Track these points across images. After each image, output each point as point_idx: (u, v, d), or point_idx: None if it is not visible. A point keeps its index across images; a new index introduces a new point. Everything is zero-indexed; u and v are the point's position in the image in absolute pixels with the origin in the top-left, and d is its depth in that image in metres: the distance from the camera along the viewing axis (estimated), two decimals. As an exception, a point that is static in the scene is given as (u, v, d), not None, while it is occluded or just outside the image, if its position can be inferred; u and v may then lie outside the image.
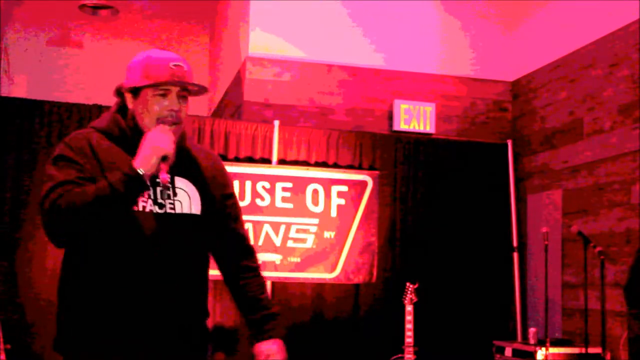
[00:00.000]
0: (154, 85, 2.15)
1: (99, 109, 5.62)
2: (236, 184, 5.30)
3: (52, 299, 5.32)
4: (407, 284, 5.38)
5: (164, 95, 2.16)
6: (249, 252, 2.44)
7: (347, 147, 6.08)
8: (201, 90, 2.24)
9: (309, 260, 5.71)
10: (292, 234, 5.69)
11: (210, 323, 2.33)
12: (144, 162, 2.04)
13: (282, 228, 5.66)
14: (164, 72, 2.15)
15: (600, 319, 4.76)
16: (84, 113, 5.60)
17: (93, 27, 8.15)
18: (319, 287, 5.90)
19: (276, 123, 5.91)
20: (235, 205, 2.41)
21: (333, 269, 5.77)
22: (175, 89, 2.17)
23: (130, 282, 2.09)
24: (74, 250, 2.14)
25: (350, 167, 6.04)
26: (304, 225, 5.73)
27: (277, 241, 5.65)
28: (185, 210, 2.20)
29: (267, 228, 5.63)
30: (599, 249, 4.85)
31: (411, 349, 5.28)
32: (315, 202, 5.76)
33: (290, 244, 5.67)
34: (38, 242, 5.37)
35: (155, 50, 2.24)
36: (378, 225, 5.94)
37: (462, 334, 5.99)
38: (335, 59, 6.40)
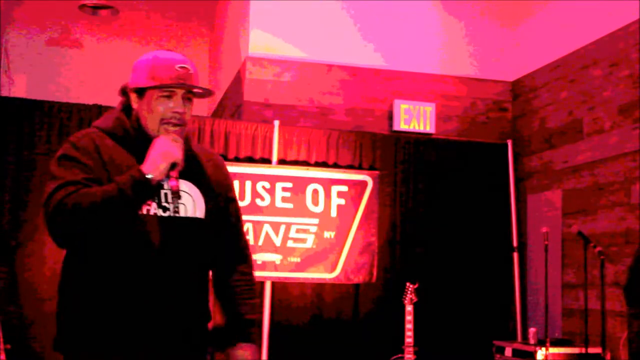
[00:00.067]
0: (160, 87, 2.14)
1: (99, 109, 5.62)
2: (236, 184, 5.30)
3: (52, 299, 5.32)
4: (407, 284, 5.38)
5: (169, 97, 2.15)
6: (245, 259, 2.41)
7: (347, 147, 6.08)
8: (206, 93, 2.24)
9: (309, 260, 5.71)
10: (292, 234, 5.69)
11: (209, 324, 2.31)
12: (153, 168, 2.04)
13: (282, 228, 5.66)
14: (170, 73, 2.14)
15: (600, 319, 4.76)
16: (84, 113, 5.60)
17: (93, 27, 8.15)
18: (319, 287, 5.90)
19: (276, 123, 5.91)
20: (237, 209, 2.41)
21: (333, 269, 5.77)
22: (180, 91, 2.16)
23: (132, 284, 2.08)
24: (76, 251, 2.14)
25: (350, 167, 6.04)
26: (304, 225, 5.72)
27: (277, 241, 5.65)
28: (190, 214, 2.19)
29: (267, 228, 5.63)
30: (599, 249, 4.85)
31: (411, 349, 5.28)
32: (315, 202, 5.76)
33: (290, 244, 5.67)
34: (38, 243, 5.37)
35: (161, 51, 2.23)
36: (378, 225, 5.94)
37: (462, 334, 5.99)
38: (335, 59, 6.40)
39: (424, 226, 6.15)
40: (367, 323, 5.91)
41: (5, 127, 5.45)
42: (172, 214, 2.14)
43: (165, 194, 2.14)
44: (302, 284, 5.84)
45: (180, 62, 2.17)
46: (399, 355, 5.36)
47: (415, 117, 6.42)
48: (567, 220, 5.86)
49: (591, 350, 4.92)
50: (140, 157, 2.09)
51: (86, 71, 7.99)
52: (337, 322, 5.90)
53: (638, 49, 5.24)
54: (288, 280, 5.75)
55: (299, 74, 6.31)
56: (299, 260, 5.68)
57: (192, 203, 2.20)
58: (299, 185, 5.74)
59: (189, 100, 2.20)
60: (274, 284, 5.71)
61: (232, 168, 5.25)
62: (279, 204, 5.68)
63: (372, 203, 5.91)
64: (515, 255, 6.26)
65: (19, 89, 7.64)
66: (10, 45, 7.71)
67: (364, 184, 5.91)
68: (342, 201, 5.82)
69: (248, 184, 5.59)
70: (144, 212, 2.11)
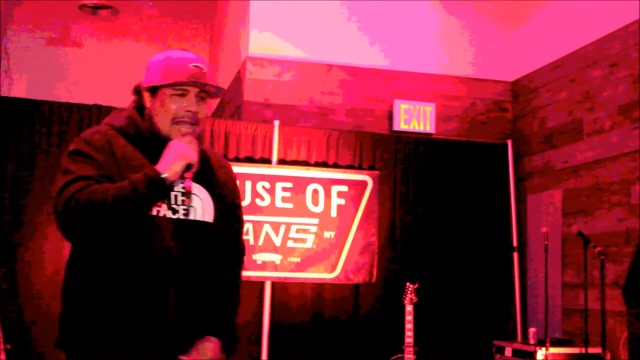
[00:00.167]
0: (173, 85, 2.14)
1: (99, 109, 5.62)
2: (236, 184, 5.29)
3: (52, 299, 5.35)
4: (407, 284, 5.38)
5: (182, 95, 2.16)
6: (240, 263, 2.43)
7: (347, 147, 6.08)
8: (219, 92, 2.24)
9: (309, 260, 5.71)
10: (292, 234, 5.69)
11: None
12: (168, 168, 2.04)
13: (282, 228, 5.66)
14: (184, 72, 2.14)
15: (600, 319, 4.76)
16: (84, 113, 5.60)
17: (93, 27, 8.15)
18: (319, 287, 5.90)
19: (276, 123, 5.91)
20: (241, 216, 2.42)
21: (333, 269, 5.77)
22: (194, 90, 2.16)
23: (138, 285, 2.08)
24: (83, 249, 2.13)
25: (350, 167, 6.04)
26: (304, 225, 5.72)
27: (277, 241, 5.64)
28: (199, 217, 2.19)
29: (267, 228, 5.62)
30: (599, 249, 4.85)
31: (411, 349, 5.28)
32: (315, 202, 5.76)
33: (290, 244, 5.67)
34: (38, 243, 5.37)
35: (175, 51, 2.24)
36: (378, 225, 5.93)
37: (462, 334, 5.99)
38: (335, 59, 6.40)
39: (424, 226, 6.15)
40: (367, 323, 5.91)
41: (5, 127, 5.45)
42: (181, 217, 2.14)
43: (175, 196, 2.14)
44: (302, 284, 5.84)
45: (193, 61, 2.18)
46: (399, 355, 5.36)
47: (415, 117, 6.42)
48: (567, 220, 5.86)
49: (591, 350, 4.92)
50: (153, 156, 2.09)
51: (86, 71, 8.00)
52: (337, 322, 5.90)
53: (638, 49, 5.24)
54: (288, 280, 5.75)
55: (299, 74, 6.31)
56: (299, 260, 5.68)
57: (201, 206, 2.21)
58: (299, 185, 5.74)
59: (202, 99, 2.20)
60: (274, 284, 5.71)
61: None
62: (279, 204, 5.68)
63: (372, 203, 5.91)
64: (515, 255, 6.26)
65: (19, 89, 7.64)
66: (10, 45, 7.72)
67: (364, 184, 5.91)
68: (342, 201, 5.82)
69: (248, 184, 5.60)
70: (154, 213, 2.11)
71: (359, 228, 5.84)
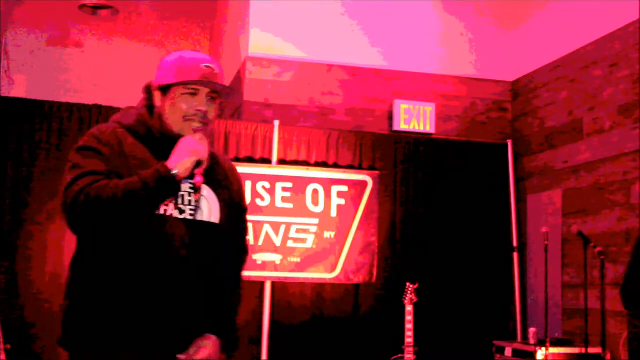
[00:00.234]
0: (184, 84, 2.14)
1: (99, 109, 5.62)
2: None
3: (52, 299, 5.35)
4: (407, 284, 5.38)
5: (193, 95, 2.16)
6: (242, 264, 2.44)
7: (347, 147, 6.08)
8: (229, 93, 2.24)
9: (309, 260, 5.71)
10: (292, 234, 5.69)
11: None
12: (178, 164, 2.04)
13: (282, 228, 5.66)
14: (195, 71, 2.15)
15: (600, 319, 4.76)
16: (84, 113, 5.61)
17: (93, 27, 8.15)
18: (319, 287, 5.90)
19: (276, 123, 5.91)
20: (246, 219, 2.44)
21: (333, 269, 5.77)
22: (205, 90, 2.17)
23: (144, 283, 2.08)
24: (90, 246, 2.13)
25: (350, 167, 6.04)
26: (304, 225, 5.72)
27: (277, 241, 5.64)
28: (205, 218, 2.19)
29: (267, 228, 5.62)
30: (599, 249, 4.85)
31: (411, 349, 5.28)
32: (315, 202, 5.76)
33: (290, 244, 5.67)
34: (38, 242, 5.37)
35: (187, 51, 2.25)
36: (378, 225, 5.93)
37: (462, 334, 5.99)
38: (335, 59, 6.40)
39: (424, 226, 6.15)
40: (367, 323, 5.91)
41: (5, 127, 5.46)
42: (188, 217, 2.14)
43: (183, 196, 2.15)
44: (302, 284, 5.84)
45: (205, 61, 2.18)
46: (399, 355, 5.36)
47: (415, 117, 6.42)
48: (567, 220, 5.86)
49: (591, 350, 4.92)
50: (162, 155, 2.09)
51: (86, 71, 7.99)
52: (337, 322, 5.90)
53: (638, 49, 5.24)
54: (288, 280, 5.75)
55: (299, 74, 6.31)
56: (299, 260, 5.68)
57: (208, 207, 2.21)
58: (299, 185, 5.74)
59: (213, 99, 2.20)
60: (274, 284, 5.71)
61: (232, 168, 5.25)
62: (279, 204, 5.68)
63: (372, 203, 5.91)
64: (515, 255, 6.26)
65: (19, 89, 7.64)
66: (10, 45, 7.71)
67: (364, 184, 5.91)
68: (342, 201, 5.82)
69: (248, 184, 5.59)
70: (161, 212, 2.11)
71: (359, 228, 5.84)
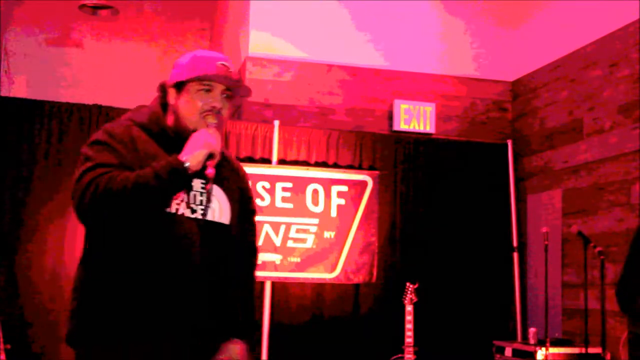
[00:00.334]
0: (199, 79, 2.15)
1: (99, 109, 5.62)
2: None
3: (52, 299, 5.34)
4: (407, 284, 5.38)
5: (208, 91, 2.16)
6: (253, 264, 2.49)
7: (347, 147, 6.08)
8: (244, 91, 2.24)
9: (309, 260, 5.71)
10: (292, 234, 5.69)
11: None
12: (191, 157, 2.03)
13: (282, 228, 5.66)
14: (211, 68, 2.16)
15: (600, 319, 4.76)
16: (84, 113, 5.61)
17: (93, 27, 8.14)
18: (319, 287, 5.90)
19: (276, 123, 5.91)
20: (255, 222, 2.47)
21: (333, 269, 5.77)
22: (219, 86, 2.17)
23: (153, 279, 2.08)
24: (100, 242, 2.12)
25: (350, 167, 6.04)
26: (304, 225, 5.72)
27: (277, 241, 5.65)
28: (216, 218, 2.20)
29: (267, 228, 5.63)
30: (599, 249, 4.85)
31: (411, 349, 5.28)
32: (315, 202, 5.76)
33: (290, 244, 5.67)
34: (38, 242, 5.37)
35: (203, 50, 2.27)
36: (378, 225, 5.94)
37: (462, 334, 5.99)
38: (335, 59, 6.40)
39: (424, 226, 6.15)
40: (367, 323, 5.91)
41: (5, 127, 5.46)
42: (199, 217, 2.14)
43: (195, 195, 2.15)
44: (302, 284, 5.84)
45: (221, 59, 2.20)
46: (399, 355, 5.36)
47: (415, 117, 6.42)
48: (567, 220, 5.86)
49: (591, 350, 4.92)
50: (175, 154, 2.09)
51: (86, 71, 7.99)
52: (337, 322, 5.90)
53: (638, 49, 5.24)
54: (288, 280, 5.75)
55: (299, 74, 6.31)
56: (299, 260, 5.68)
57: (218, 208, 2.21)
58: (299, 185, 5.74)
59: (228, 98, 2.20)
60: (274, 284, 5.71)
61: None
62: (279, 204, 5.68)
63: (372, 203, 5.91)
64: (515, 255, 6.26)
65: (19, 89, 7.64)
66: (10, 45, 7.71)
67: (364, 184, 5.91)
68: (342, 201, 5.83)
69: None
70: (173, 210, 2.11)
71: (359, 228, 5.84)
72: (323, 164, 5.96)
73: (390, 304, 5.73)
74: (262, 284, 5.64)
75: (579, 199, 5.75)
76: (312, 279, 5.78)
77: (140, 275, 2.07)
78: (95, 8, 7.42)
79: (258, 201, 5.63)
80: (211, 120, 2.15)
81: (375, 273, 5.86)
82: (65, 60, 8.06)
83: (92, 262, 2.14)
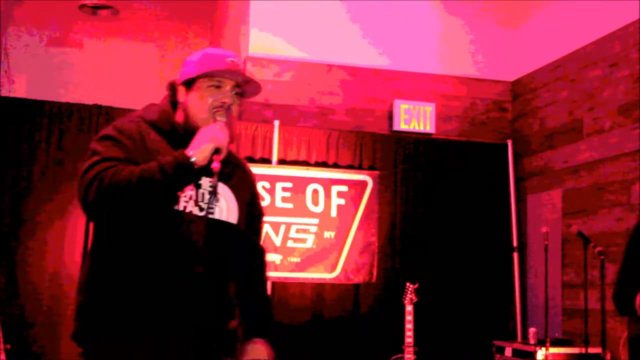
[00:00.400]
0: (209, 75, 2.15)
1: (99, 109, 5.62)
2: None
3: (52, 299, 5.34)
4: (407, 284, 5.38)
5: (217, 87, 2.16)
6: (266, 268, 2.51)
7: (347, 147, 6.08)
8: (254, 87, 2.24)
9: (309, 260, 5.71)
10: (292, 234, 5.69)
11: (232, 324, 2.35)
12: (197, 151, 2.02)
13: (282, 228, 5.66)
14: (221, 64, 2.16)
15: (600, 319, 4.76)
16: (84, 113, 5.61)
17: (93, 27, 8.14)
18: (319, 287, 5.90)
19: (276, 123, 5.91)
20: (262, 223, 2.48)
21: (333, 269, 5.77)
22: (229, 83, 2.18)
23: (159, 277, 2.08)
24: (107, 239, 2.12)
25: (350, 167, 6.04)
26: (304, 225, 5.73)
27: (277, 241, 5.65)
28: (223, 217, 2.20)
29: (267, 228, 5.62)
30: (599, 249, 4.84)
31: (411, 349, 5.28)
32: (315, 202, 5.76)
33: (290, 244, 5.68)
34: (38, 242, 5.37)
35: (213, 48, 2.27)
36: (378, 225, 5.94)
37: (462, 334, 5.99)
38: (335, 59, 6.40)
39: (424, 226, 6.15)
40: (367, 323, 5.91)
41: (5, 127, 5.46)
42: (206, 215, 2.13)
43: (203, 194, 2.15)
44: (302, 284, 5.84)
45: (231, 56, 2.20)
46: (399, 355, 5.36)
47: (415, 117, 6.42)
48: (567, 220, 5.86)
49: (591, 350, 4.91)
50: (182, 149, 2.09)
51: (86, 71, 7.99)
52: (337, 322, 5.90)
53: (638, 49, 5.24)
54: (288, 280, 5.75)
55: (299, 74, 6.31)
56: (299, 260, 5.69)
57: (226, 207, 2.21)
58: (299, 185, 5.74)
59: (238, 95, 2.21)
60: (274, 284, 5.71)
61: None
62: (279, 204, 5.68)
63: (372, 203, 5.91)
64: (515, 255, 6.26)
65: (19, 89, 7.64)
66: (10, 45, 7.71)
67: (364, 184, 5.92)
68: (342, 201, 5.83)
69: (248, 184, 5.59)
70: (181, 208, 2.11)
71: (359, 228, 5.84)
72: (323, 164, 5.96)
73: (390, 304, 5.73)
74: (262, 284, 5.64)
75: (579, 199, 5.75)
76: (312, 279, 5.78)
77: (146, 270, 2.07)
78: (95, 8, 7.42)
79: (258, 201, 5.63)
80: (220, 117, 2.15)
81: (375, 273, 5.86)
82: (65, 60, 8.06)
83: (99, 257, 2.14)
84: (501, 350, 5.50)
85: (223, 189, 2.21)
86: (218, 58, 2.18)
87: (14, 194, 5.40)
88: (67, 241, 5.38)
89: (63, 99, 5.87)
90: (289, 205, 5.70)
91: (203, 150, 2.03)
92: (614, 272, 5.17)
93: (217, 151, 2.05)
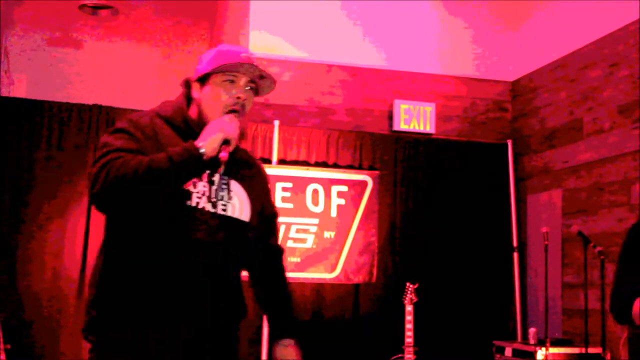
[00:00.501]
0: (223, 71, 2.15)
1: (99, 109, 5.63)
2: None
3: (52, 299, 5.33)
4: (407, 284, 5.38)
5: (232, 82, 2.16)
6: (284, 268, 2.57)
7: (347, 147, 6.08)
8: (269, 82, 2.23)
9: (309, 260, 5.72)
10: (292, 234, 5.69)
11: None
12: (206, 142, 2.02)
13: (282, 228, 5.66)
14: (234, 58, 2.17)
15: (600, 319, 4.75)
16: (84, 113, 5.61)
17: (93, 27, 8.14)
18: (319, 287, 5.90)
19: (276, 123, 5.91)
20: (277, 223, 2.49)
21: (333, 269, 5.77)
22: (244, 78, 2.17)
23: (169, 273, 2.07)
24: (117, 233, 2.12)
25: (350, 167, 6.04)
26: (304, 225, 5.73)
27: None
28: (236, 215, 2.20)
29: (267, 228, 5.62)
30: (599, 249, 4.84)
31: (411, 349, 5.28)
32: (315, 202, 5.76)
33: (290, 244, 5.67)
34: (38, 242, 5.37)
35: (228, 44, 2.29)
36: (378, 225, 5.94)
37: (462, 334, 5.99)
38: (335, 59, 6.39)
39: (424, 226, 6.15)
40: (367, 323, 5.91)
41: (5, 127, 5.46)
42: (220, 212, 2.14)
43: (217, 191, 2.15)
44: (302, 284, 5.84)
45: (245, 52, 2.21)
46: (399, 355, 5.36)
47: (415, 117, 6.42)
48: (567, 220, 5.86)
49: (591, 350, 4.91)
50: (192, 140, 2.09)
51: (86, 71, 7.99)
52: (337, 322, 5.90)
53: (638, 49, 5.24)
54: (288, 280, 5.74)
55: (299, 74, 6.31)
56: (299, 260, 5.69)
57: (239, 205, 2.21)
58: (299, 185, 5.74)
59: (251, 90, 2.21)
60: (274, 284, 5.70)
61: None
62: (278, 204, 5.68)
63: (372, 203, 5.91)
64: (515, 255, 6.26)
65: (19, 89, 7.64)
66: (10, 45, 7.71)
67: (364, 184, 5.92)
68: (342, 201, 5.83)
69: (248, 184, 5.60)
70: (194, 204, 2.11)
71: (359, 228, 5.84)
72: (323, 164, 5.97)
73: (390, 304, 5.73)
74: (262, 284, 5.63)
75: (579, 199, 5.75)
76: (312, 279, 5.78)
77: (157, 266, 2.07)
78: (95, 8, 7.42)
79: (258, 201, 5.63)
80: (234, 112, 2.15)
81: (375, 273, 5.86)
82: (65, 60, 8.05)
83: (111, 252, 2.14)
84: (501, 350, 5.50)
85: (236, 187, 2.21)
86: (232, 53, 2.19)
87: (14, 194, 5.40)
88: (67, 241, 5.38)
89: (63, 99, 5.87)
90: (289, 205, 5.70)
91: (212, 141, 2.02)
92: (613, 272, 5.17)
93: (226, 142, 2.05)
